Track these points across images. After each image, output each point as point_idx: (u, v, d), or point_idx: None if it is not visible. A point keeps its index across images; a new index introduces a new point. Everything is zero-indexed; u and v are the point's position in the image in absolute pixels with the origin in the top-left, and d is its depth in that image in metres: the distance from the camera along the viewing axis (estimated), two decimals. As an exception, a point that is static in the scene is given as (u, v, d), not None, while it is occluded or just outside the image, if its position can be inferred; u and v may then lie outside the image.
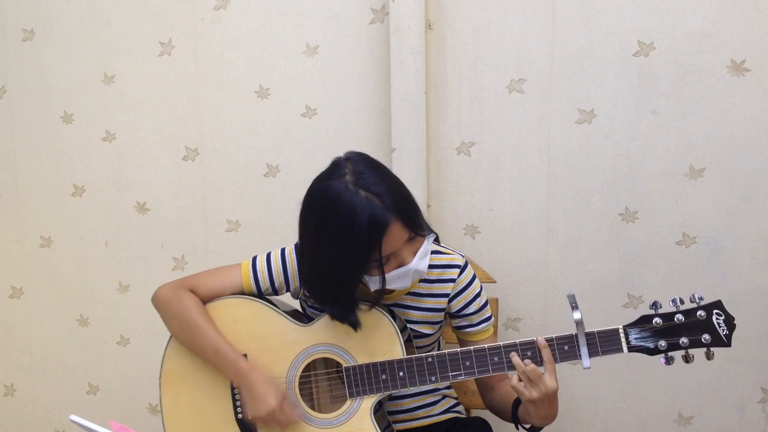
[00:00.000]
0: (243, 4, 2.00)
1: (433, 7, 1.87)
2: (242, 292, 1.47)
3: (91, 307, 2.24)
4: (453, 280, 1.46)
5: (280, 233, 2.06)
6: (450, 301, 1.47)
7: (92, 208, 2.19)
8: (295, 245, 1.49)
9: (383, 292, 1.37)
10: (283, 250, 1.49)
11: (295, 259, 1.47)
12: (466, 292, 1.47)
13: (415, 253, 1.32)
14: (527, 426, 1.39)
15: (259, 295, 1.48)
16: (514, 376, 1.31)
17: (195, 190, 2.11)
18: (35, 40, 2.16)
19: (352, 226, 1.24)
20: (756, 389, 1.82)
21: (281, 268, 1.47)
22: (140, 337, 2.22)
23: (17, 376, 2.34)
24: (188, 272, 2.00)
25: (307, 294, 1.44)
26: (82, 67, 2.14)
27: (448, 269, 1.47)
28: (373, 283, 1.33)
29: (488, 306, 1.51)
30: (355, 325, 1.37)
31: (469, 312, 1.47)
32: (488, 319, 1.51)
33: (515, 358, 1.31)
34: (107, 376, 2.27)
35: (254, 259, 1.49)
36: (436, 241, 1.43)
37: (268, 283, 1.47)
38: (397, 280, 1.33)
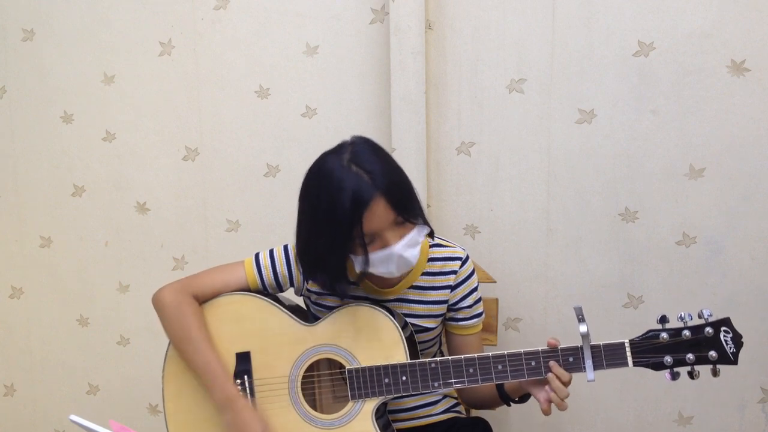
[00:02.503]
0: (243, 4, 2.00)
1: (433, 7, 1.87)
2: (247, 289, 1.48)
3: (91, 307, 2.24)
4: (455, 272, 1.48)
5: (280, 233, 2.06)
6: (451, 291, 1.48)
7: (92, 208, 2.19)
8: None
9: (363, 275, 1.38)
10: (285, 246, 1.50)
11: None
12: (465, 284, 1.49)
13: (401, 238, 1.32)
14: (516, 398, 1.44)
15: (264, 291, 1.48)
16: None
17: (195, 190, 2.11)
18: (35, 40, 2.16)
19: (338, 198, 1.27)
20: (756, 389, 1.82)
21: (285, 264, 1.48)
22: (140, 337, 2.22)
23: (17, 376, 2.34)
24: (188, 272, 2.00)
25: (301, 265, 1.44)
26: (82, 67, 2.14)
27: (449, 261, 1.48)
28: (358, 264, 1.34)
29: (481, 302, 1.53)
30: (342, 295, 1.39)
31: (464, 305, 1.49)
32: (480, 315, 1.53)
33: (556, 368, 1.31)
34: (107, 376, 2.27)
35: (257, 256, 1.50)
36: (432, 235, 1.44)
37: (272, 279, 1.48)
38: (381, 264, 1.33)
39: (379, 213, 1.28)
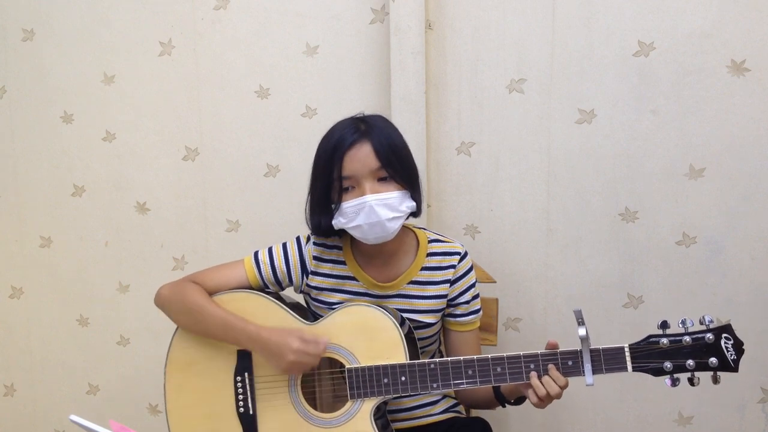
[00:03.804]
0: (243, 4, 2.00)
1: (433, 7, 1.87)
2: (248, 287, 1.48)
3: (91, 307, 2.24)
4: (453, 266, 1.49)
5: (280, 233, 2.06)
6: (450, 286, 1.49)
7: (92, 208, 2.19)
8: (296, 238, 1.51)
9: (325, 227, 1.42)
10: (284, 244, 1.51)
11: (297, 251, 1.49)
12: (463, 279, 1.50)
13: (379, 192, 1.35)
14: (512, 400, 1.44)
15: (264, 289, 1.49)
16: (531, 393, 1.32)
17: (195, 190, 2.11)
18: (35, 40, 2.16)
19: (329, 139, 1.37)
20: (756, 389, 1.82)
21: (284, 261, 1.49)
22: (140, 337, 2.22)
23: (17, 376, 2.34)
24: (188, 272, 2.00)
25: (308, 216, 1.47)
26: (82, 67, 2.14)
27: (448, 256, 1.49)
28: (337, 215, 1.38)
29: (479, 300, 1.54)
30: (325, 233, 1.44)
31: (462, 301, 1.50)
32: (477, 311, 1.54)
33: (534, 379, 1.31)
34: (107, 376, 2.27)
35: (256, 254, 1.51)
36: (417, 214, 1.44)
37: (271, 276, 1.49)
38: (352, 214, 1.35)
39: (360, 156, 1.33)
